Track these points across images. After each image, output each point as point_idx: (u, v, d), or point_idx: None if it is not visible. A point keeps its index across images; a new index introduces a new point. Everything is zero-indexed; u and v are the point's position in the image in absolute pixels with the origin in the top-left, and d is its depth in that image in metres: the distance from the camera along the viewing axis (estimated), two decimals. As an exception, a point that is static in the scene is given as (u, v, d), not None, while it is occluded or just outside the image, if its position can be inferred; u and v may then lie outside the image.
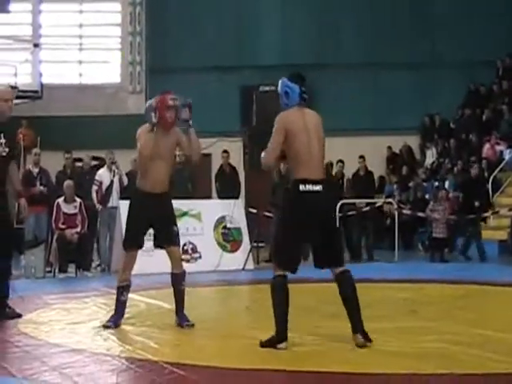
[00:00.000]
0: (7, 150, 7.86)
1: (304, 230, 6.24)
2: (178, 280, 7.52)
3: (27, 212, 10.18)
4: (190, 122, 7.33)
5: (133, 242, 7.45)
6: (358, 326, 6.22)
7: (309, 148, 6.29)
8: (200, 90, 21.03)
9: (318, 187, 6.26)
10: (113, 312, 7.49)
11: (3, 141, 7.78)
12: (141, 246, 7.52)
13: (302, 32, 21.56)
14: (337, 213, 6.86)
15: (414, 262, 15.29)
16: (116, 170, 13.53)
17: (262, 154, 6.42)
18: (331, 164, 16.58)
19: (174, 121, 7.37)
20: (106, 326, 7.26)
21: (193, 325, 7.30)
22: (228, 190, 14.88)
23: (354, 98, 21.26)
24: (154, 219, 7.42)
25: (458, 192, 16.93)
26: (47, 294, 9.95)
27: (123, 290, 7.47)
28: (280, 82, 6.58)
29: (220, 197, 15.18)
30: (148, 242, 12.13)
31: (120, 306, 7.47)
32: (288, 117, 6.39)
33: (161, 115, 7.27)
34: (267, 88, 21.73)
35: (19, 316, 7.78)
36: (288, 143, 6.31)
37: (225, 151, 15.74)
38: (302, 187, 6.23)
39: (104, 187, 13.40)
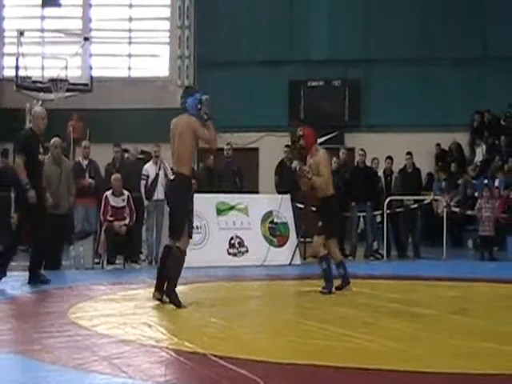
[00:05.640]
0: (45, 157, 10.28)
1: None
2: None
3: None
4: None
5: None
6: None
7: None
8: (248, 85, 21.09)
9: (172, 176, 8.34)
10: None
11: (42, 150, 9.88)
12: None
13: (350, 28, 21.44)
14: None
15: (463, 260, 15.12)
16: (161, 164, 13.59)
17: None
18: (376, 159, 16.34)
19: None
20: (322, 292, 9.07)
21: None
22: (287, 185, 14.73)
23: (403, 95, 21.10)
24: None
25: (508, 190, 16.69)
26: (96, 285, 10.03)
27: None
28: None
29: (279, 191, 15.01)
30: (197, 236, 12.15)
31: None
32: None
33: None
34: (315, 83, 21.78)
35: None
36: None
37: (287, 145, 15.81)
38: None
39: (150, 180, 13.47)
